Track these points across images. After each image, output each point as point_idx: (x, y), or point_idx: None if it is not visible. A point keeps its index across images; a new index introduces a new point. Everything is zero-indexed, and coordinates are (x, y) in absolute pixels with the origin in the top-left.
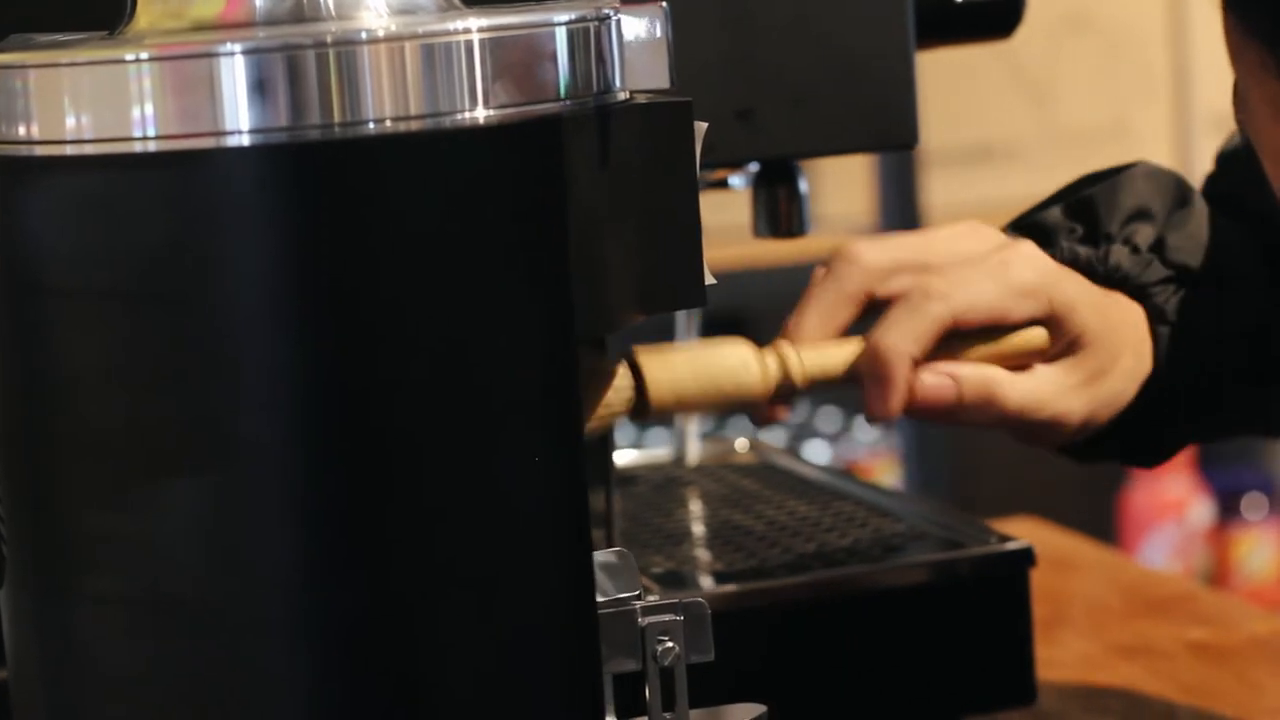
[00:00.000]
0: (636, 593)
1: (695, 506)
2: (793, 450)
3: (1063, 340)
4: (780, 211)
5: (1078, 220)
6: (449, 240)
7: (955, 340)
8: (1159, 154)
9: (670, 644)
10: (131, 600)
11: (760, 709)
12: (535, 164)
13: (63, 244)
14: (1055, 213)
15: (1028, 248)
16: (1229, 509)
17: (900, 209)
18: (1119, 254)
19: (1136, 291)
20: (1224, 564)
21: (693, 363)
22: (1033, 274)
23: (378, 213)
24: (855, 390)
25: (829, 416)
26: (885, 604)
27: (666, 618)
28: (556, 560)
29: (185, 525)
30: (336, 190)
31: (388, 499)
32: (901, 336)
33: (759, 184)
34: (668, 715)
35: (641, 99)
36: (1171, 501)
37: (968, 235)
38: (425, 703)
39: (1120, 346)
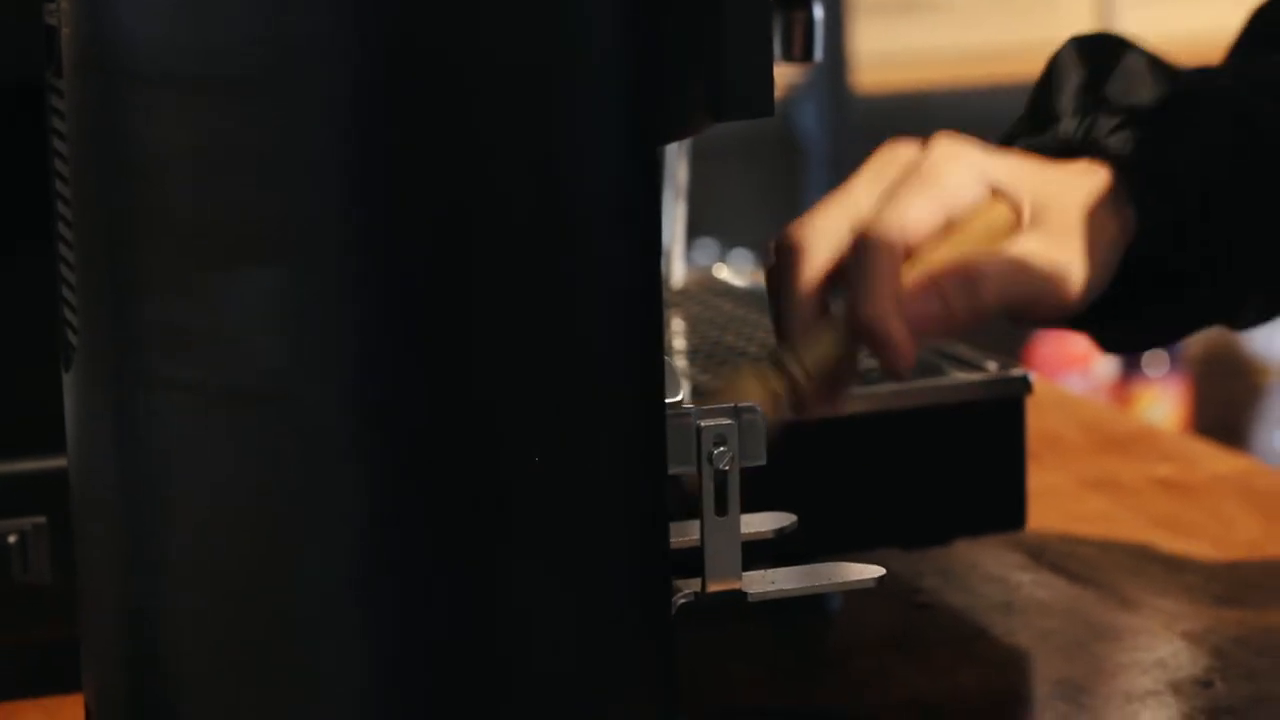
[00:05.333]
0: (679, 398)
1: (682, 328)
2: None
3: (1023, 211)
4: (794, 35)
5: (1029, 122)
6: (535, 35)
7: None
8: (1082, 4)
9: (725, 449)
10: (204, 388)
11: (790, 518)
12: None
13: (149, 29)
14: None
15: (945, 145)
16: (1131, 364)
17: (829, 59)
18: (1066, 124)
19: (1092, 147)
20: None
21: None
22: (962, 167)
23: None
24: None
25: None
26: (882, 427)
27: (722, 422)
28: (629, 362)
29: (261, 314)
30: None
31: (464, 286)
32: (873, 300)
33: (776, 8)
34: (720, 518)
35: None
36: (1076, 355)
37: (887, 164)
38: (491, 495)
39: (1089, 204)
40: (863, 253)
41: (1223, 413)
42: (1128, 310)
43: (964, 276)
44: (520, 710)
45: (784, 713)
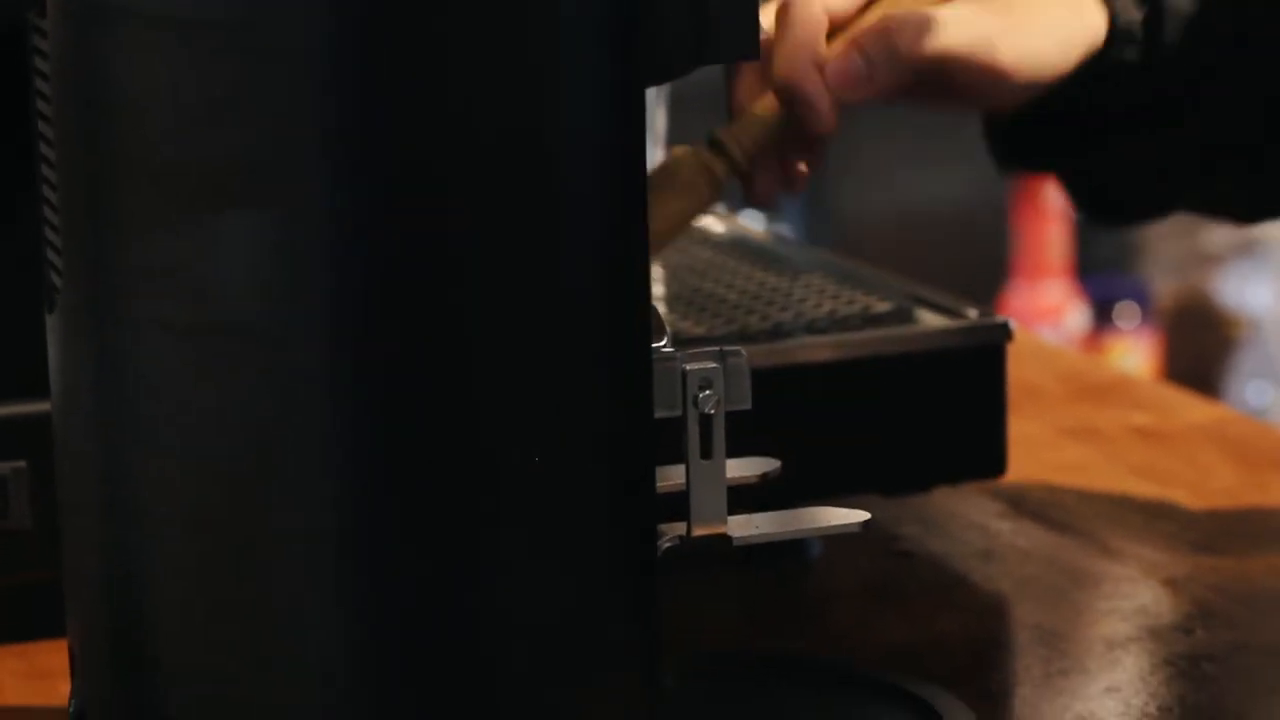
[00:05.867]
0: (664, 342)
1: (661, 275)
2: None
3: None
4: None
5: None
6: None
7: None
8: None
9: (710, 392)
10: (188, 327)
11: (774, 463)
12: None
13: None
14: None
15: None
16: (1103, 316)
17: None
18: None
19: None
20: None
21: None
22: None
23: None
24: None
25: None
26: (861, 374)
27: (708, 366)
28: (614, 305)
29: (243, 254)
30: None
31: (444, 227)
32: (790, 58)
33: None
34: (705, 462)
35: None
36: (1048, 308)
37: None
38: (472, 436)
39: None
40: (782, 15)
41: (1194, 365)
42: (1096, 141)
43: (881, 30)
44: (503, 655)
45: (764, 660)
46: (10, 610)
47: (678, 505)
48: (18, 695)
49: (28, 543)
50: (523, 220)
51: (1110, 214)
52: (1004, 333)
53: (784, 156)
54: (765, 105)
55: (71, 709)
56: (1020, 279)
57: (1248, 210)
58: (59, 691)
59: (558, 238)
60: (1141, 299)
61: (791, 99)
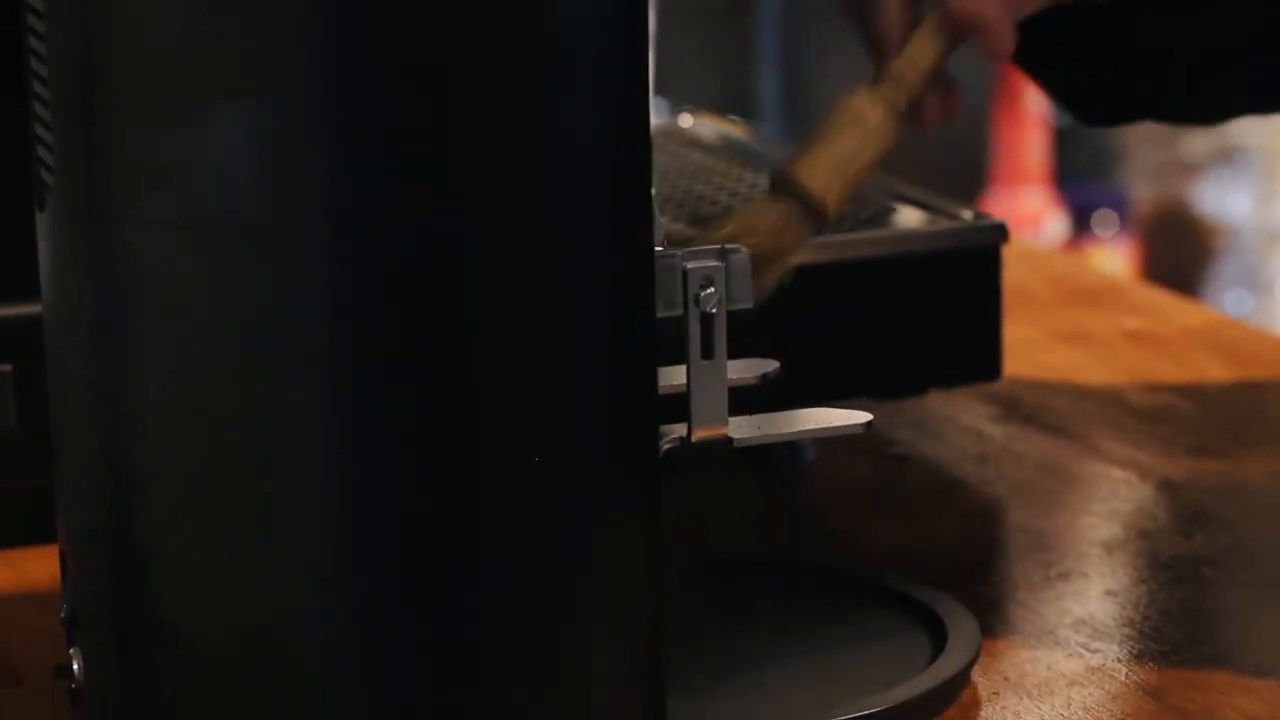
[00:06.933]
0: (661, 244)
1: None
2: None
3: None
4: None
5: None
6: None
7: None
8: None
9: (712, 291)
10: (184, 223)
11: (773, 364)
12: None
13: None
14: None
15: None
16: (1082, 224)
17: None
18: None
19: None
20: None
21: (830, 153)
22: None
23: None
24: None
25: None
26: (855, 276)
27: (709, 264)
28: (616, 202)
29: (238, 149)
30: None
31: (443, 123)
32: None
33: None
34: (707, 362)
35: None
36: (1028, 215)
37: None
38: (472, 336)
39: None
40: None
41: (1172, 273)
42: (1069, 27)
43: None
44: (503, 555)
45: (764, 565)
46: None
47: (677, 408)
48: (5, 602)
49: (13, 447)
50: (523, 111)
51: (1089, 111)
52: (1000, 234)
53: (941, 81)
54: (930, 33)
55: (63, 613)
56: (999, 186)
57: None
58: (46, 598)
59: (559, 130)
60: (1120, 206)
61: (970, 25)
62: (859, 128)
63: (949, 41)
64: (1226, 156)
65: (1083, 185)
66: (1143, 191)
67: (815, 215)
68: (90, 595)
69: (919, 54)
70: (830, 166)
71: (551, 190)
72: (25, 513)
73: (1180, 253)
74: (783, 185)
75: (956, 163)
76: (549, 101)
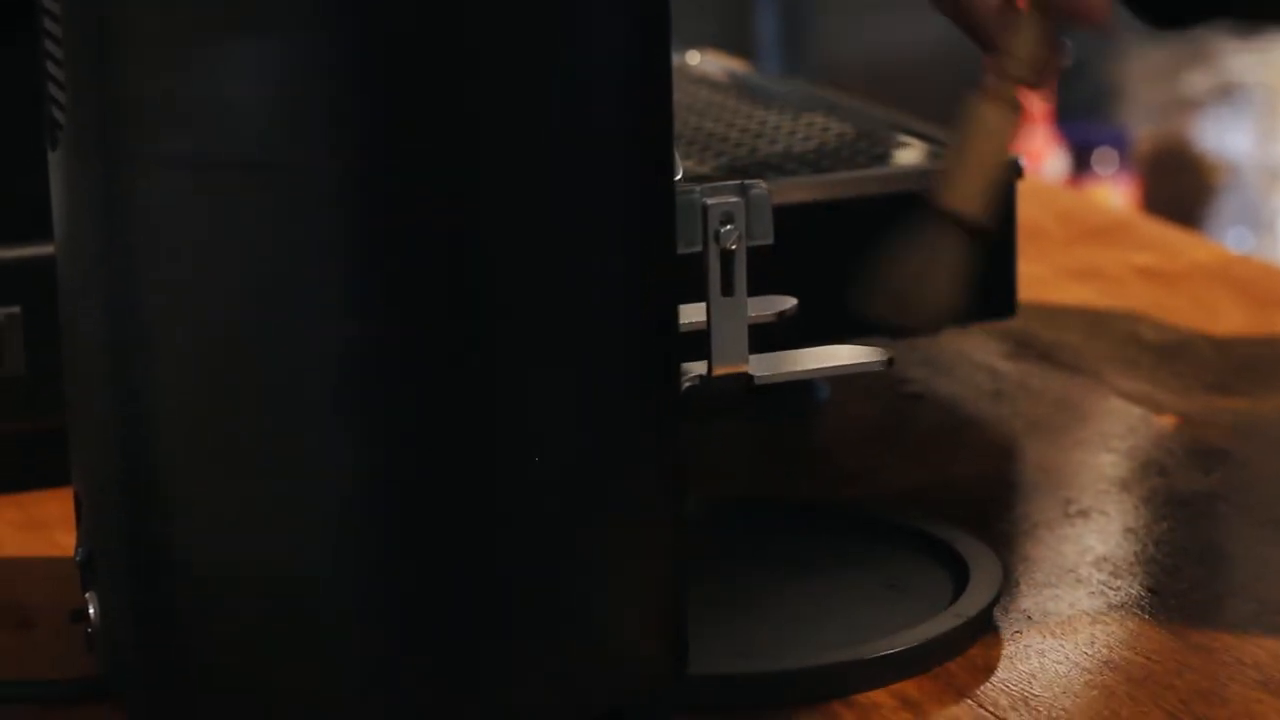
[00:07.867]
0: (679, 176)
1: None
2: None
3: None
4: None
5: None
6: None
7: None
8: None
9: (731, 227)
10: (198, 160)
11: (790, 300)
12: None
13: None
14: None
15: None
16: (1082, 162)
17: None
18: None
19: None
20: None
21: (976, 174)
22: None
23: None
24: None
25: None
26: (869, 214)
27: (729, 200)
28: (636, 138)
29: (251, 85)
30: None
31: (459, 61)
32: None
33: None
34: (727, 299)
35: None
36: (1026, 153)
37: None
38: (490, 270)
39: None
40: None
41: (1173, 211)
42: None
43: None
44: (527, 494)
45: (779, 505)
46: (5, 460)
47: (696, 346)
48: (15, 545)
49: (23, 390)
50: (541, 46)
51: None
52: (1015, 170)
53: (1048, 61)
54: (1033, 21)
55: (78, 556)
56: None
57: None
58: (57, 541)
59: (579, 64)
60: (1120, 144)
61: (1072, 8)
62: (993, 139)
63: (1052, 25)
64: (1226, 94)
65: (1082, 123)
66: (1143, 129)
67: (976, 233)
68: (104, 537)
69: (1025, 48)
70: (979, 189)
71: (572, 121)
72: (35, 456)
73: (1181, 190)
74: (941, 215)
75: (954, 100)
76: (569, 27)
